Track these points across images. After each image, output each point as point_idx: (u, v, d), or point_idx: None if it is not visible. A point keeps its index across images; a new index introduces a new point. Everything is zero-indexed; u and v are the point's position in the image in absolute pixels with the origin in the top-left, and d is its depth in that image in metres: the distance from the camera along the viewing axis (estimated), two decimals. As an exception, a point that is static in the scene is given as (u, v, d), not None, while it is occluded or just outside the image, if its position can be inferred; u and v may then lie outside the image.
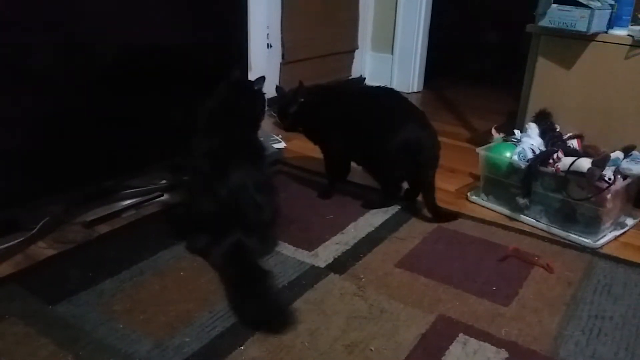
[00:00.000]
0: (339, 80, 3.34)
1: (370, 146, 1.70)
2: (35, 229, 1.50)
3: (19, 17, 1.35)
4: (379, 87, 1.81)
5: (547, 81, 2.02)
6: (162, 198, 1.77)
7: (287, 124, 1.86)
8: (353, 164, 1.88)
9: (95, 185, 1.65)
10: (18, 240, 1.45)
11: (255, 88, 1.63)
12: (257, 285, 1.27)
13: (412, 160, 1.65)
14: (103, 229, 1.59)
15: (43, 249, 1.47)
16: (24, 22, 1.36)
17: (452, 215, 1.71)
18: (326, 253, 1.49)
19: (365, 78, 3.51)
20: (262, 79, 1.63)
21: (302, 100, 1.79)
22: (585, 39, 1.87)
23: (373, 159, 1.75)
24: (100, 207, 1.65)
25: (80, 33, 1.49)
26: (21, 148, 1.43)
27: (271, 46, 2.75)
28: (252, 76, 1.65)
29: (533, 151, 1.71)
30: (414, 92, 3.39)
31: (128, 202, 1.70)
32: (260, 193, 1.42)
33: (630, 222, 1.70)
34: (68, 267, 1.39)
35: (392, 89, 1.81)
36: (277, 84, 2.82)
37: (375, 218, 1.70)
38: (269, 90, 1.73)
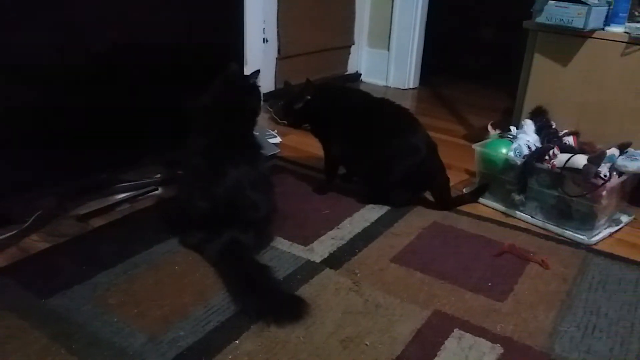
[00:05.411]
0: (341, 76, 3.34)
1: (372, 161, 1.70)
2: (28, 222, 1.48)
3: (11, 11, 1.34)
4: (389, 101, 1.78)
5: (543, 78, 2.02)
6: (156, 192, 1.76)
7: (291, 121, 1.84)
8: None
9: (89, 179, 1.64)
10: (11, 233, 1.44)
11: (251, 82, 1.61)
12: (259, 279, 1.27)
13: (413, 180, 1.69)
14: (97, 222, 1.58)
15: (36, 242, 1.46)
16: (16, 16, 1.35)
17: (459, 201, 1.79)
18: (322, 248, 1.49)
19: (361, 74, 3.50)
20: (256, 72, 1.61)
21: (309, 97, 1.76)
22: (582, 35, 1.87)
23: (372, 171, 1.73)
24: (94, 200, 1.64)
25: (73, 26, 1.48)
26: (14, 140, 1.41)
27: (267, 41, 2.74)
28: (247, 71, 1.64)
29: (529, 148, 1.71)
30: (410, 89, 3.39)
31: (122, 195, 1.69)
32: (256, 191, 1.41)
33: (625, 219, 1.70)
34: (61, 260, 1.38)
35: (402, 107, 1.77)
36: (273, 79, 2.83)
37: (371, 213, 1.70)
38: (264, 85, 1.71)
